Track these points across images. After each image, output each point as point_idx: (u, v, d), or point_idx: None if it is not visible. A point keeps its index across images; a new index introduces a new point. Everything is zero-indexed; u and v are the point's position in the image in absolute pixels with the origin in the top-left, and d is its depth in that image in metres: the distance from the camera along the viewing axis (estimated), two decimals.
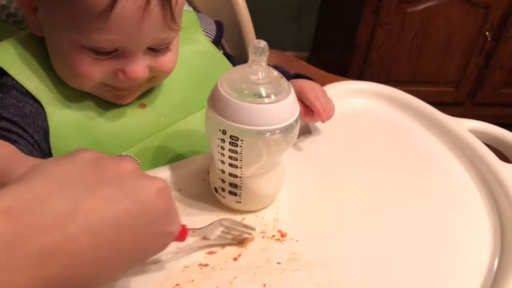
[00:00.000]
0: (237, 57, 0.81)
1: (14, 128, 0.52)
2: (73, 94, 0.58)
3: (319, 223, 0.55)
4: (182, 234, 0.45)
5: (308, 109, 0.64)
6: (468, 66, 1.89)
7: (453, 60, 1.87)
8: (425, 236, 0.54)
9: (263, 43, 0.48)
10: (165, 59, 0.58)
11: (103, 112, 0.59)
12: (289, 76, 0.71)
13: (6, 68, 0.55)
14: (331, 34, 2.08)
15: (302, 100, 0.63)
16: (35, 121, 0.54)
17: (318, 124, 0.70)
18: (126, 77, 0.55)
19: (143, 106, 0.62)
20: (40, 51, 0.57)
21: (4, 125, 0.51)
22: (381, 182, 0.62)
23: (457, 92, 1.95)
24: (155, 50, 0.56)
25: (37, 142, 0.53)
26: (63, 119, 0.57)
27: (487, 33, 1.81)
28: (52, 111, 0.56)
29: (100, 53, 0.53)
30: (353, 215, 0.57)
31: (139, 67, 0.55)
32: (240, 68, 0.51)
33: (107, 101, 0.60)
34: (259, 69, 0.49)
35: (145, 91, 0.62)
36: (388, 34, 1.79)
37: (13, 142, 0.50)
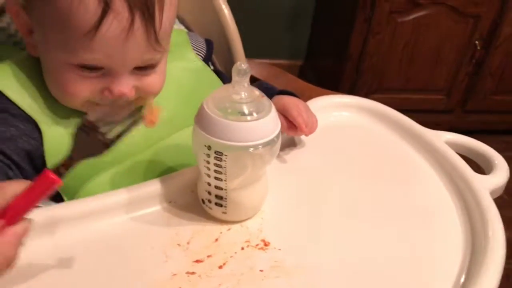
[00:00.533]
0: (227, 73, 0.85)
1: None
2: (66, 112, 0.61)
3: (301, 232, 0.58)
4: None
5: (291, 124, 0.67)
6: (458, 74, 1.92)
7: (443, 69, 1.91)
8: (402, 245, 0.58)
9: (244, 65, 0.52)
10: (151, 80, 0.61)
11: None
12: (275, 92, 0.74)
13: (3, 89, 0.58)
14: (325, 43, 2.12)
15: (286, 115, 0.67)
16: (16, 143, 0.57)
17: (303, 136, 0.73)
18: (112, 96, 0.57)
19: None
20: (36, 72, 0.61)
21: None
22: (361, 192, 0.65)
23: (448, 100, 1.99)
24: (141, 69, 0.59)
25: (15, 163, 0.56)
26: (57, 136, 0.60)
27: (476, 42, 1.85)
28: (46, 128, 0.59)
29: (87, 69, 0.56)
30: (333, 224, 0.60)
31: (125, 87, 0.57)
32: (224, 88, 0.55)
33: None
34: (242, 89, 0.53)
35: (137, 108, 0.65)
36: (380, 43, 1.82)
37: None
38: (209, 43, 0.78)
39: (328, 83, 2.06)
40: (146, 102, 0.64)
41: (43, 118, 0.60)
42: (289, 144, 0.72)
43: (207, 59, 0.77)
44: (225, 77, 0.78)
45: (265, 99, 0.54)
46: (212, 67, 0.80)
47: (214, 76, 0.75)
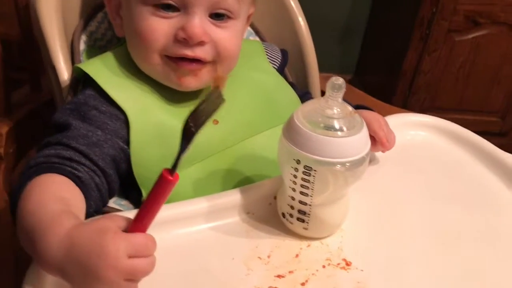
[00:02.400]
0: (298, 84, 0.84)
1: (76, 157, 0.55)
2: (154, 105, 0.61)
3: (382, 253, 0.57)
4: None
5: (372, 138, 0.66)
6: None
7: (500, 90, 1.85)
8: (480, 270, 0.56)
9: (340, 81, 0.51)
10: (224, 35, 0.60)
11: (179, 123, 0.61)
12: (353, 107, 0.73)
13: (96, 79, 0.60)
14: (376, 58, 2.09)
15: None
16: (101, 149, 0.58)
17: (378, 154, 0.71)
18: (186, 34, 0.57)
19: (216, 122, 0.65)
20: (127, 62, 0.62)
21: (69, 155, 0.55)
22: (439, 214, 0.63)
23: (503, 122, 1.93)
24: (215, 18, 0.59)
25: (101, 169, 0.57)
26: (144, 127, 0.60)
27: None
28: (134, 119, 0.60)
29: (164, 7, 0.57)
30: (414, 246, 0.58)
31: (197, 24, 0.58)
32: (316, 101, 0.53)
33: (183, 110, 0.62)
34: (335, 104, 0.52)
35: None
36: (435, 62, 1.79)
37: (73, 169, 0.54)
38: (284, 53, 0.78)
39: (378, 98, 2.03)
40: (220, 79, 0.64)
41: (133, 109, 0.60)
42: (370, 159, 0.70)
43: (281, 69, 0.77)
44: (296, 88, 0.78)
45: (357, 115, 0.53)
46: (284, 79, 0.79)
47: (288, 86, 0.74)
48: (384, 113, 0.80)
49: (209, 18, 0.59)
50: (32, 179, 0.50)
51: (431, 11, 1.70)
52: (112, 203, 0.61)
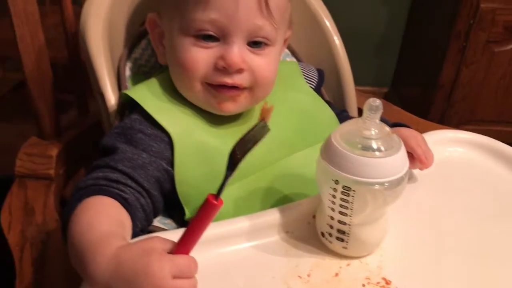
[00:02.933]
0: (334, 102, 0.85)
1: (123, 179, 0.58)
2: (196, 125, 0.64)
3: (423, 273, 0.57)
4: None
5: (409, 155, 0.66)
6: None
7: None
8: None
9: (378, 102, 0.52)
10: (262, 61, 0.62)
11: (221, 143, 0.64)
12: (389, 125, 0.74)
13: (142, 103, 0.63)
14: (413, 71, 2.08)
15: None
16: (146, 171, 0.60)
17: (417, 171, 0.71)
18: (225, 63, 0.60)
19: None
20: (170, 86, 0.66)
21: (116, 177, 0.58)
22: (480, 232, 0.63)
23: None
24: (253, 46, 0.61)
25: (146, 190, 0.59)
26: (187, 147, 0.63)
27: None
28: (178, 140, 0.62)
29: (204, 38, 0.60)
30: (454, 264, 0.58)
31: (237, 53, 0.60)
32: (354, 122, 0.54)
33: (224, 132, 0.65)
34: (373, 125, 0.53)
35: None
36: (474, 74, 1.76)
37: (120, 191, 0.57)
38: (320, 73, 0.80)
39: (415, 111, 1.99)
40: (257, 105, 0.66)
41: (176, 130, 0.63)
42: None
43: (318, 88, 0.78)
44: (333, 106, 0.79)
45: (395, 136, 0.54)
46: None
47: (325, 104, 0.76)
48: (421, 129, 0.81)
49: (247, 46, 0.61)
50: (82, 201, 0.53)
51: (468, 23, 1.68)
52: (157, 222, 0.63)
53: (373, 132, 0.52)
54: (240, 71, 0.61)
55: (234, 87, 0.62)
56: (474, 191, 0.70)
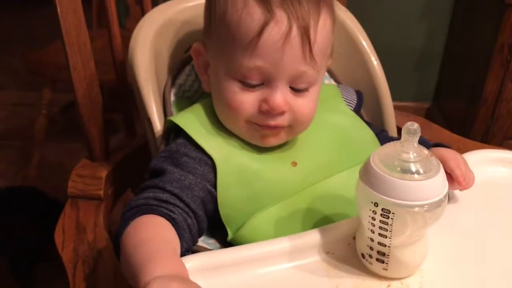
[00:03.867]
0: (374, 122, 0.86)
1: (172, 200, 0.61)
2: (237, 149, 0.67)
3: None
4: None
5: (448, 176, 0.66)
6: None
7: None
8: None
9: (416, 125, 0.53)
10: (303, 102, 0.65)
11: (261, 167, 0.67)
12: (429, 145, 0.74)
13: (186, 129, 0.66)
14: (455, 85, 2.05)
15: (443, 167, 0.66)
16: (192, 191, 0.63)
17: (458, 192, 0.71)
18: (269, 106, 0.62)
19: (294, 164, 0.69)
20: (212, 113, 0.69)
21: (165, 197, 0.61)
22: None
23: None
24: (295, 90, 0.64)
25: (192, 210, 0.62)
26: (229, 171, 0.65)
27: None
28: (220, 163, 0.65)
29: (249, 85, 0.63)
30: (495, 286, 0.57)
31: (280, 97, 0.62)
32: (392, 145, 0.55)
33: (264, 156, 0.67)
34: (411, 148, 0.53)
35: (297, 151, 0.69)
36: None
37: (169, 211, 0.60)
38: (359, 95, 0.81)
39: (458, 127, 1.98)
40: (294, 136, 0.68)
41: (218, 155, 0.66)
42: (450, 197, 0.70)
43: (357, 110, 0.79)
44: (372, 127, 0.80)
45: (434, 158, 0.54)
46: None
47: (365, 125, 0.77)
48: (463, 148, 0.80)
49: (289, 89, 0.64)
50: (135, 219, 0.56)
51: (511, 36, 1.65)
52: (201, 241, 0.66)
53: (411, 155, 0.53)
54: (282, 113, 0.64)
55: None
56: None
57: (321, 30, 0.62)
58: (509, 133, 1.81)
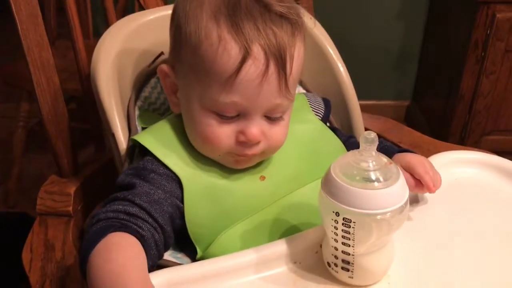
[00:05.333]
0: (342, 128, 0.86)
1: (141, 214, 0.60)
2: (205, 168, 0.66)
3: None
4: None
5: (417, 181, 0.68)
6: None
7: None
8: None
9: (373, 135, 0.53)
10: (278, 130, 0.65)
11: (229, 183, 0.67)
12: (396, 151, 0.74)
13: (151, 149, 0.65)
14: (433, 83, 2.06)
15: (411, 173, 0.68)
16: (161, 206, 0.62)
17: (426, 194, 0.72)
18: (246, 138, 0.62)
19: (262, 178, 0.69)
20: (178, 130, 0.68)
21: (134, 211, 0.60)
22: (491, 256, 0.62)
23: None
24: (270, 118, 0.64)
25: (160, 225, 0.61)
26: (196, 189, 0.65)
27: None
28: (187, 182, 0.65)
29: (225, 117, 0.62)
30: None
31: (256, 129, 0.62)
32: (351, 154, 0.56)
33: (232, 172, 0.67)
34: (370, 157, 0.53)
35: (265, 165, 0.69)
36: (495, 83, 1.74)
37: (138, 227, 0.59)
38: (327, 103, 0.81)
39: (437, 124, 2.00)
40: (266, 157, 0.68)
41: (186, 174, 0.65)
42: (412, 202, 0.71)
43: (325, 118, 0.80)
44: (340, 134, 0.80)
45: (393, 166, 0.55)
46: (328, 125, 0.82)
47: (332, 135, 0.77)
48: (433, 149, 0.81)
49: (264, 118, 0.64)
50: (106, 236, 0.55)
51: (485, 33, 1.67)
52: (169, 256, 0.65)
53: (370, 164, 0.53)
54: (258, 143, 0.64)
55: None
56: (485, 213, 0.70)
57: (296, 60, 0.62)
58: (487, 129, 1.83)
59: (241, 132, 0.62)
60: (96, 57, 0.73)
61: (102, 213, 0.60)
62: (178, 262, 0.65)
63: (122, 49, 0.76)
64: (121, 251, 0.54)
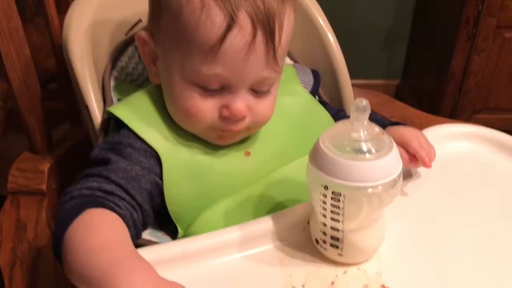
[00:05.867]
0: (332, 102, 0.83)
1: (118, 192, 0.56)
2: (185, 142, 0.62)
3: (424, 277, 0.54)
4: None
5: (411, 156, 0.65)
6: None
7: None
8: None
9: (364, 102, 0.49)
10: (264, 104, 0.61)
11: (212, 159, 0.63)
12: (387, 123, 0.71)
13: (127, 122, 0.61)
14: (423, 62, 2.03)
15: (405, 148, 0.65)
16: (139, 183, 0.58)
17: (420, 168, 0.69)
18: (230, 113, 0.58)
19: (247, 154, 0.65)
20: (158, 102, 0.63)
21: (110, 189, 0.56)
22: (487, 231, 0.60)
23: None
24: (256, 92, 0.59)
25: (138, 203, 0.57)
26: (176, 165, 0.61)
27: None
28: (166, 158, 0.60)
29: (208, 90, 0.57)
30: (459, 266, 0.55)
31: (242, 104, 0.58)
32: (342, 124, 0.52)
33: (215, 148, 0.63)
34: (361, 126, 0.50)
35: (250, 140, 0.65)
36: (485, 61, 1.71)
37: (116, 205, 0.55)
38: (316, 75, 0.77)
39: (427, 102, 1.97)
40: (252, 133, 0.64)
41: (164, 149, 0.61)
42: (405, 176, 0.68)
43: (314, 91, 0.76)
44: (330, 108, 0.76)
45: (386, 136, 0.51)
46: (318, 98, 0.78)
47: (321, 108, 0.73)
48: (425, 124, 0.78)
49: (251, 92, 0.59)
50: (83, 213, 0.51)
51: (476, 9, 1.63)
52: (148, 235, 0.62)
53: (362, 134, 0.50)
54: (243, 118, 0.60)
55: None
56: (479, 187, 0.67)
57: (286, 29, 0.57)
58: (477, 107, 1.81)
59: (225, 106, 0.58)
60: (67, 24, 0.68)
61: (76, 190, 0.55)
62: (158, 241, 0.61)
63: (97, 16, 0.71)
64: (102, 227, 0.50)
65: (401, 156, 0.63)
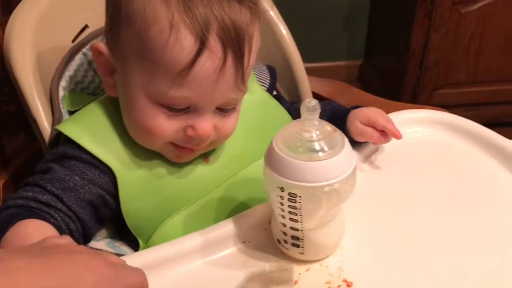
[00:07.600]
0: (289, 94, 0.82)
1: (53, 202, 0.55)
2: (142, 155, 0.60)
3: (385, 269, 0.55)
4: None
5: (381, 131, 0.66)
6: None
7: None
8: (492, 272, 0.53)
9: (314, 102, 0.49)
10: (230, 121, 0.60)
11: (171, 170, 0.61)
12: (343, 110, 0.71)
13: (78, 140, 0.58)
14: (384, 41, 2.04)
15: (373, 125, 0.66)
16: (77, 193, 0.57)
17: (374, 158, 0.69)
18: (195, 133, 0.56)
19: (207, 160, 0.64)
20: (112, 115, 0.60)
21: (45, 199, 0.55)
22: (446, 216, 0.61)
23: None
24: (222, 110, 0.58)
25: (75, 213, 0.56)
26: (133, 180, 0.59)
27: None
28: (122, 174, 0.59)
29: (174, 109, 0.55)
30: (419, 254, 0.56)
31: (208, 124, 0.57)
32: (294, 125, 0.52)
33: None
34: (312, 126, 0.50)
35: None
36: (443, 37, 1.73)
37: (51, 216, 0.54)
38: (272, 72, 0.76)
39: (391, 81, 1.99)
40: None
41: (119, 164, 0.59)
42: (362, 167, 0.68)
43: (271, 88, 0.75)
44: (284, 101, 0.76)
45: (338, 133, 0.51)
46: (275, 92, 0.78)
47: (279, 106, 0.72)
48: (385, 110, 0.78)
49: (217, 110, 0.58)
50: (15, 224, 0.50)
51: None
52: (105, 245, 0.61)
53: (314, 134, 0.50)
54: (208, 137, 0.58)
55: None
56: (436, 172, 0.68)
57: (254, 49, 0.56)
58: (438, 83, 1.83)
59: (191, 126, 0.56)
60: (9, 34, 0.65)
61: (11, 199, 0.55)
62: (115, 252, 0.60)
63: (40, 24, 0.67)
64: (33, 238, 0.48)
65: (372, 135, 0.66)
